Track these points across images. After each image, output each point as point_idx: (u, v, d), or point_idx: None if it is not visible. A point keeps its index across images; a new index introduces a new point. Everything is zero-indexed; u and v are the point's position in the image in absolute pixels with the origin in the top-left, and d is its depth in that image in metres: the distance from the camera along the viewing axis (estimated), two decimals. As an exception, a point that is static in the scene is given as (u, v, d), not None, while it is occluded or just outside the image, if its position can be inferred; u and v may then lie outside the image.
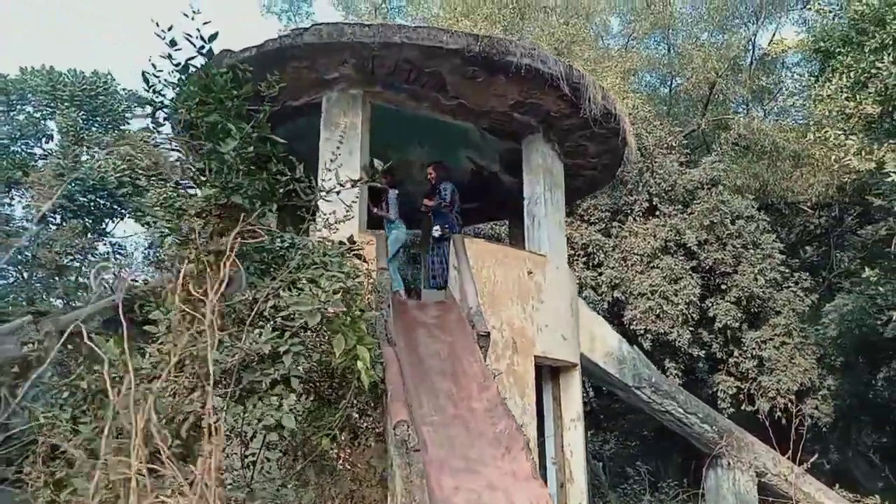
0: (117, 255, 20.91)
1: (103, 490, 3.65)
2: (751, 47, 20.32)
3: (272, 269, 4.75)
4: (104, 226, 20.85)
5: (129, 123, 21.67)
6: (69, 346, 4.61)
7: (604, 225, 14.46)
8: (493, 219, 13.44)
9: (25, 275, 18.07)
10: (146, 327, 4.78)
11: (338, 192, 4.73)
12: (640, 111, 15.70)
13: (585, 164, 9.83)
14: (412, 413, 4.44)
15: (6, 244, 17.49)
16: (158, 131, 5.28)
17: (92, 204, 19.89)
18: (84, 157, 20.00)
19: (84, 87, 20.61)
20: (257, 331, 4.30)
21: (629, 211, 14.66)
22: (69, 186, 18.90)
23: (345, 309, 4.05)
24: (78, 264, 19.08)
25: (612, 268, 13.73)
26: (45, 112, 20.33)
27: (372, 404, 5.73)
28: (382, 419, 5.09)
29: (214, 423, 3.88)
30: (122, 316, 4.62)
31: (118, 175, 19.82)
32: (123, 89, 21.38)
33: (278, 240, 4.84)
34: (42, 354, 4.31)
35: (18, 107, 20.10)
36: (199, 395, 4.09)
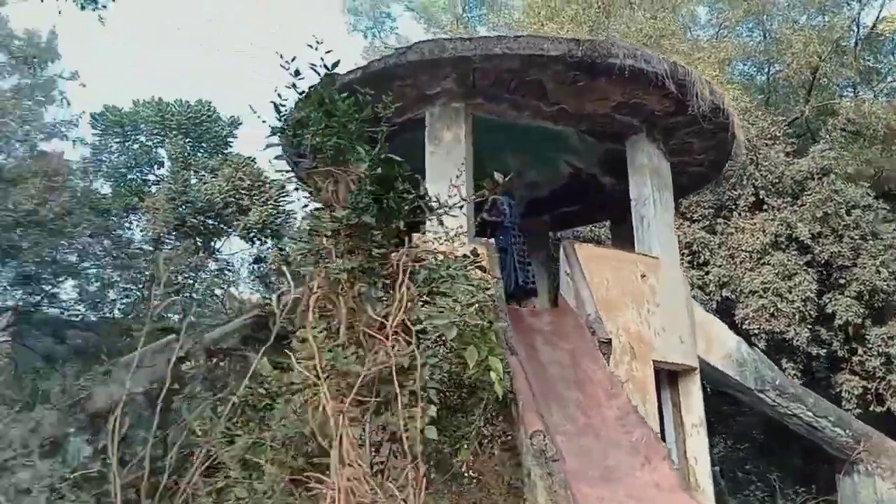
0: (226, 272, 22.08)
1: (262, 497, 3.89)
2: (855, 27, 19.13)
3: (399, 285, 4.89)
4: (213, 244, 22.09)
5: (231, 147, 22.90)
6: (214, 362, 4.95)
7: (708, 222, 13.96)
8: (592, 221, 13.28)
9: (145, 293, 19.32)
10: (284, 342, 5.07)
11: (460, 207, 4.84)
12: (740, 102, 15.07)
13: (691, 161, 9.56)
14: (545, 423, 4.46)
15: (127, 265, 18.87)
16: (286, 157, 5.50)
17: (201, 224, 21.10)
18: (192, 181, 21.27)
19: (190, 115, 21.92)
20: (390, 344, 4.46)
21: (734, 206, 14.10)
22: (180, 209, 20.16)
23: (479, 321, 4.14)
24: (192, 281, 20.32)
25: (720, 266, 13.24)
26: (155, 140, 21.77)
27: (494, 413, 5.81)
28: (511, 428, 5.14)
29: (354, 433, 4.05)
30: (271, 332, 4.93)
31: (223, 196, 20.97)
32: (225, 116, 22.63)
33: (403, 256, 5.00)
34: (194, 371, 4.63)
35: (132, 137, 21.60)
36: (341, 407, 4.29)
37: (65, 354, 16.41)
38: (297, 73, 5.16)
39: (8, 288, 16.88)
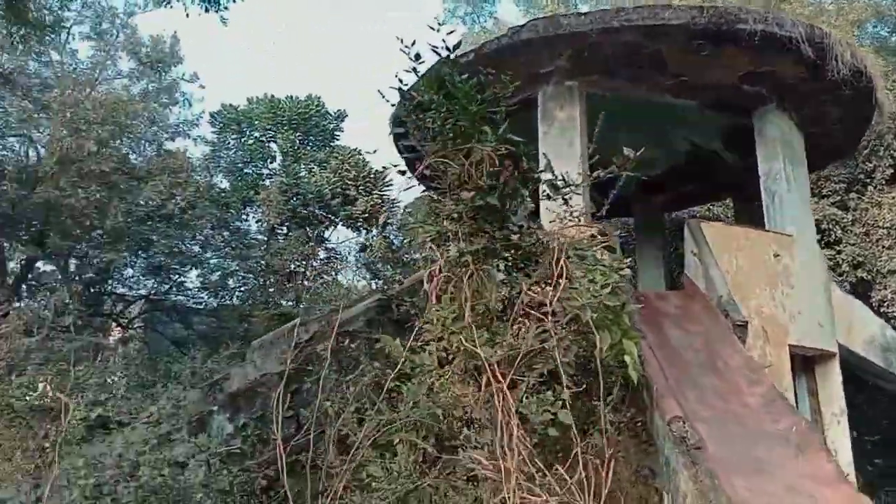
0: (333, 259, 22.82)
1: (396, 476, 3.93)
2: None
3: (523, 266, 4.79)
4: (322, 234, 22.88)
5: (338, 140, 23.57)
6: (344, 343, 5.04)
7: (839, 197, 12.90)
8: (711, 201, 12.59)
9: (261, 280, 20.30)
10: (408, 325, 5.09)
11: (588, 186, 4.68)
12: (875, 65, 13.77)
13: (825, 132, 8.82)
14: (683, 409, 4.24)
15: (245, 255, 19.87)
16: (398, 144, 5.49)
17: (311, 215, 21.90)
18: (302, 174, 22.09)
19: (300, 110, 22.73)
20: (515, 326, 4.37)
21: (869, 180, 12.95)
22: (292, 201, 21.00)
23: (614, 302, 3.97)
24: (303, 269, 21.16)
25: (853, 244, 12.23)
26: (268, 136, 22.75)
27: (620, 398, 5.60)
28: (639, 414, 4.94)
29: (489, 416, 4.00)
30: (394, 315, 4.98)
31: (331, 187, 21.63)
32: (331, 110, 23.31)
33: (527, 237, 4.88)
34: (323, 353, 4.75)
35: (248, 133, 22.67)
36: (471, 390, 4.25)
37: (191, 339, 17.56)
38: (417, 56, 5.16)
39: (140, 278, 18.24)
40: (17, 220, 14.56)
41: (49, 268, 16.40)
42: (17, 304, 14.35)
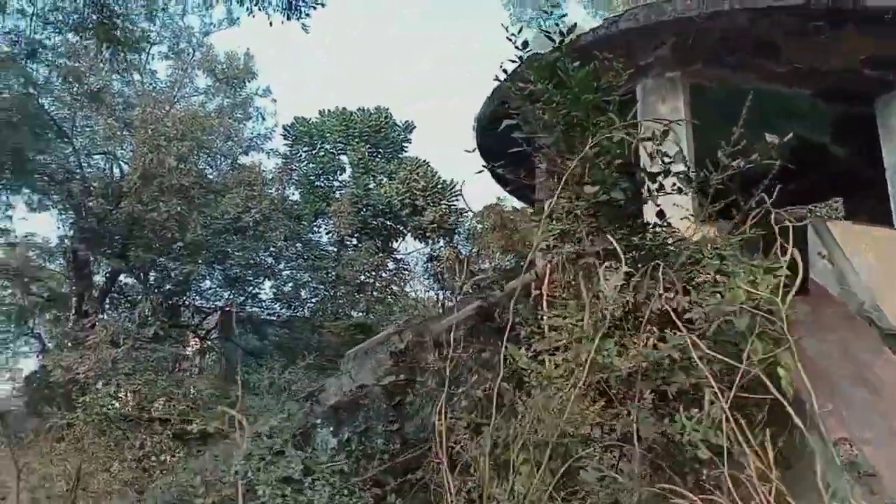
0: (403, 271, 22.70)
1: (519, 497, 3.53)
2: None
3: (649, 268, 4.30)
4: (390, 244, 22.82)
5: (406, 151, 23.54)
6: (444, 354, 4.68)
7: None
8: (818, 199, 11.68)
9: (331, 292, 20.34)
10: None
11: (714, 185, 4.20)
12: None
13: (957, 121, 7.96)
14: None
15: (317, 266, 19.96)
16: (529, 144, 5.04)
17: (381, 226, 21.88)
18: (371, 185, 22.12)
19: (370, 122, 22.83)
20: (643, 335, 3.91)
21: None
22: (362, 213, 21.03)
23: (780, 307, 3.46)
24: (372, 280, 21.11)
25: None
26: (338, 148, 22.92)
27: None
28: (781, 432, 4.37)
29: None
30: (496, 322, 4.59)
31: (400, 198, 21.55)
32: (399, 121, 23.34)
33: (649, 236, 4.42)
34: (421, 364, 4.42)
35: (319, 146, 22.90)
36: (595, 404, 3.80)
37: (266, 349, 17.65)
38: (525, 44, 4.80)
39: (217, 289, 18.52)
40: (102, 234, 14.99)
41: (130, 280, 16.83)
42: (101, 316, 14.74)
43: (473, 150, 8.79)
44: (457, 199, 22.05)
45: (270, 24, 8.32)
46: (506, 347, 3.81)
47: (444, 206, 21.92)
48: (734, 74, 7.17)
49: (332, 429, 3.74)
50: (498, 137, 7.83)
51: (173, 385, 13.58)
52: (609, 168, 4.17)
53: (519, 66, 4.80)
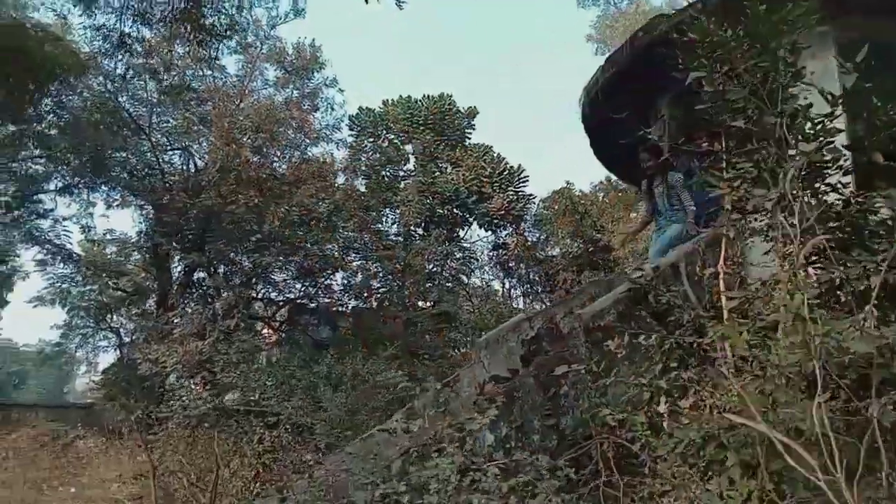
0: (470, 259, 22.47)
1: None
2: None
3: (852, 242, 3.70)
4: (457, 233, 22.60)
5: (469, 138, 23.24)
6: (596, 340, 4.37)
7: None
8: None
9: (400, 282, 20.22)
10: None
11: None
12: None
13: None
14: None
15: (386, 256, 19.87)
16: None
17: (449, 214, 21.67)
18: (437, 173, 21.91)
19: (434, 110, 22.61)
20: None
21: None
22: (428, 200, 20.84)
23: None
24: (440, 269, 20.94)
25: None
26: (402, 137, 22.79)
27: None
28: None
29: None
30: (650, 306, 4.25)
31: (467, 185, 21.27)
32: (462, 107, 23.04)
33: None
34: (575, 351, 4.13)
35: (383, 135, 22.81)
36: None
37: (338, 340, 17.68)
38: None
39: (289, 281, 18.64)
40: (181, 228, 15.22)
41: (203, 274, 17.05)
42: (184, 309, 15.00)
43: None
44: (525, 185, 21.67)
45: (366, 1, 8.10)
46: (697, 331, 3.41)
47: (511, 193, 21.60)
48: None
49: (488, 424, 3.49)
50: (607, 110, 7.43)
51: (265, 376, 13.71)
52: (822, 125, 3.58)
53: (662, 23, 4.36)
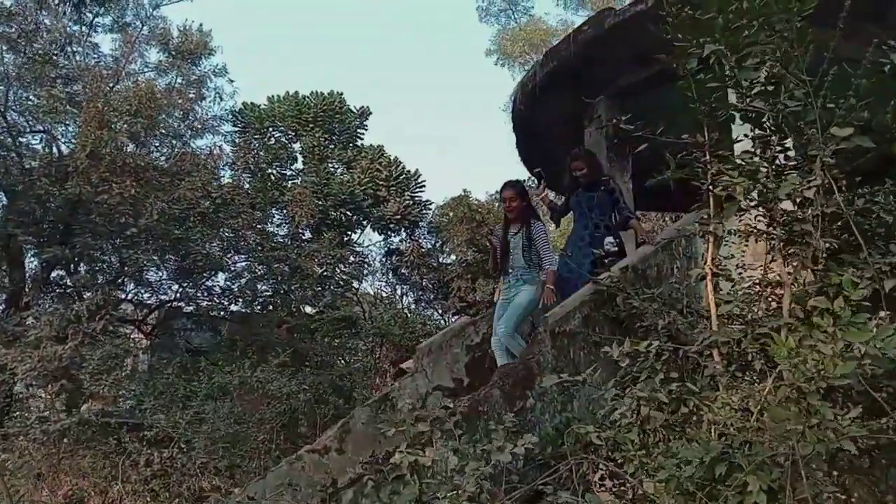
0: (363, 264, 21.84)
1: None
2: None
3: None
4: (350, 237, 21.90)
5: (361, 139, 22.66)
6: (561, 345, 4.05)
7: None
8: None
9: (286, 286, 19.19)
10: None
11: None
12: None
13: None
14: None
15: (274, 258, 18.78)
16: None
17: (342, 216, 20.95)
18: (331, 174, 21.14)
19: (324, 107, 21.83)
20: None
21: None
22: (321, 202, 20.01)
23: None
24: (329, 274, 20.13)
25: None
26: (289, 136, 21.81)
27: None
28: None
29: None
30: (618, 310, 4.00)
31: (363, 188, 20.68)
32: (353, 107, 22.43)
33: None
34: (540, 359, 3.80)
35: (269, 133, 21.72)
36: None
37: (221, 347, 16.44)
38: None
39: (165, 281, 17.09)
40: (41, 219, 13.49)
41: (67, 270, 15.27)
42: (34, 309, 13.26)
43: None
44: (422, 190, 21.42)
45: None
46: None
47: (407, 197, 21.27)
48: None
49: (452, 445, 3.05)
50: (545, 108, 7.21)
51: (141, 385, 12.32)
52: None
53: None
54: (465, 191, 18.19)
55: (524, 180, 8.30)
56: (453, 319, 18.43)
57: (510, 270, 5.49)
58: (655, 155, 3.81)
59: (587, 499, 2.70)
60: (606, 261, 5.19)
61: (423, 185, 20.88)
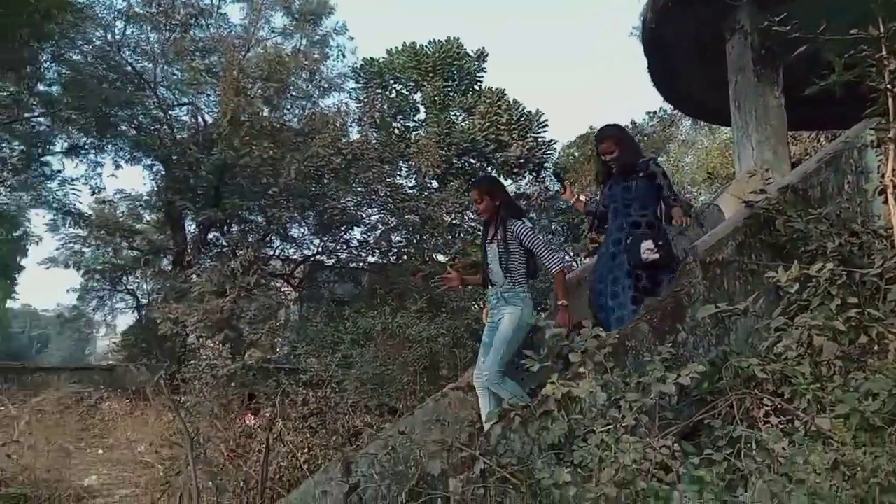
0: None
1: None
2: None
3: None
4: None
5: (480, 82, 22.33)
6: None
7: None
8: None
9: (418, 235, 19.63)
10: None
11: None
12: None
13: None
14: None
15: (404, 209, 19.24)
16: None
17: (466, 164, 20.96)
18: (453, 123, 21.10)
19: (442, 55, 21.67)
20: None
21: None
22: (445, 151, 20.08)
23: None
24: (458, 222, 20.33)
25: None
26: (410, 87, 21.92)
27: None
28: None
29: None
30: (777, 234, 3.65)
31: (484, 134, 20.49)
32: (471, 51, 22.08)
33: None
34: (690, 290, 3.57)
35: (391, 85, 21.95)
36: None
37: (361, 296, 17.25)
38: None
39: (307, 237, 18.08)
40: (194, 185, 14.62)
41: (218, 232, 16.57)
42: (196, 267, 14.52)
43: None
44: (545, 131, 20.90)
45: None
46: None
47: (530, 139, 20.84)
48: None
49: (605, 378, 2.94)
50: (678, 23, 6.62)
51: (294, 333, 13.27)
52: None
53: None
54: (591, 128, 17.45)
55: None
56: (586, 261, 18.09)
57: (490, 287, 4.28)
58: (810, 64, 3.36)
59: (754, 435, 2.52)
60: (642, 277, 4.05)
61: (546, 126, 20.31)
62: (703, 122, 18.49)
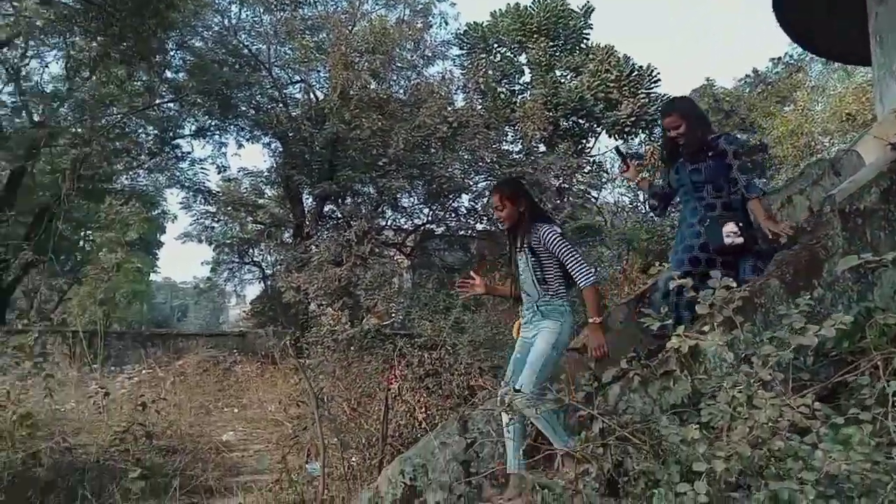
0: (599, 173, 21.21)
1: None
2: None
3: None
4: (584, 145, 21.34)
5: (586, 39, 21.52)
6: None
7: None
8: None
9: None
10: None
11: None
12: None
13: None
14: None
15: (508, 175, 19.03)
16: None
17: (574, 125, 20.43)
18: (559, 83, 20.55)
19: (547, 14, 21.07)
20: None
21: None
22: (551, 113, 19.59)
23: None
24: (566, 185, 19.89)
25: None
26: (515, 49, 21.48)
27: None
28: None
29: None
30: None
31: (593, 92, 19.80)
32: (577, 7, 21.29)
33: None
34: (827, 243, 3.28)
35: (495, 49, 21.62)
36: None
37: (471, 264, 17.36)
38: None
39: (417, 206, 18.39)
40: (309, 160, 15.21)
41: (335, 203, 17.19)
42: (315, 238, 15.18)
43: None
44: (657, 86, 19.95)
45: None
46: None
47: (642, 96, 19.96)
48: None
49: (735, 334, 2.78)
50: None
51: (408, 299, 13.65)
52: None
53: None
54: (707, 79, 16.45)
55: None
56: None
57: (524, 299, 3.84)
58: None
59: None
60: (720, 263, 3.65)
61: (658, 80, 19.36)
62: (836, 64, 16.90)
